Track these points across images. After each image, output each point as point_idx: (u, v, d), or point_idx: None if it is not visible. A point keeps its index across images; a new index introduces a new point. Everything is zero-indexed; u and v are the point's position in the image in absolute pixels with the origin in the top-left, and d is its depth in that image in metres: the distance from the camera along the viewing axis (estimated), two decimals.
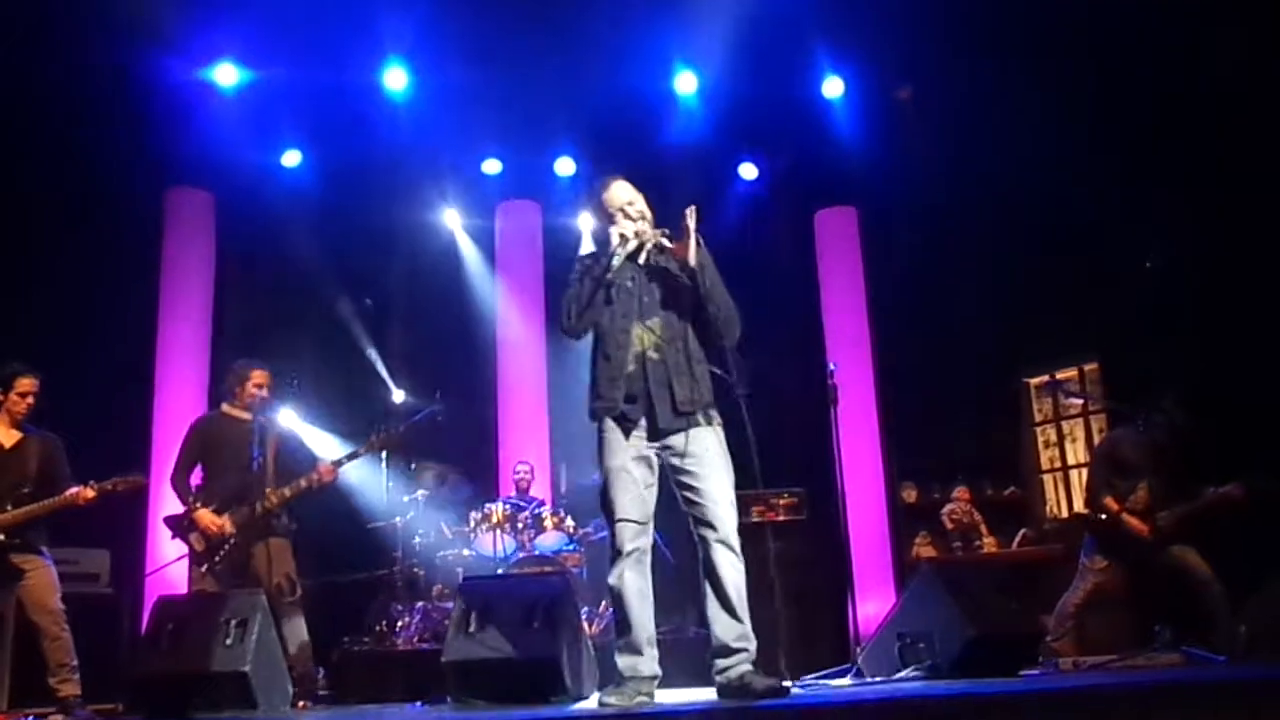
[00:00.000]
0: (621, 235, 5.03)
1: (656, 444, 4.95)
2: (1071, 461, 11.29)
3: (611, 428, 4.95)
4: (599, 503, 5.00)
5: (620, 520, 4.88)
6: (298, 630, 6.87)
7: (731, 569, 4.87)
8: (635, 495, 4.89)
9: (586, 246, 12.04)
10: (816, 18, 9.86)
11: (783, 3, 9.40)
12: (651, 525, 4.98)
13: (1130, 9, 8.89)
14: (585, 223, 12.19)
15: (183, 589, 8.61)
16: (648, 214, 5.22)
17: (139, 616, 8.62)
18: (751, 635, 4.87)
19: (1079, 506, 9.69)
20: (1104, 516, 7.68)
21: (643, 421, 4.94)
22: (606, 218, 5.21)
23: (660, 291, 5.05)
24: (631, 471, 4.90)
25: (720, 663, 4.86)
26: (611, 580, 4.92)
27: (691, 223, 4.95)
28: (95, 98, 9.47)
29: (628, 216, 5.14)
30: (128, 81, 9.58)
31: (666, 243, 5.10)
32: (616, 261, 4.96)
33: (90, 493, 6.68)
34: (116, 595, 8.73)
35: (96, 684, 6.89)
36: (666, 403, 4.90)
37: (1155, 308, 9.56)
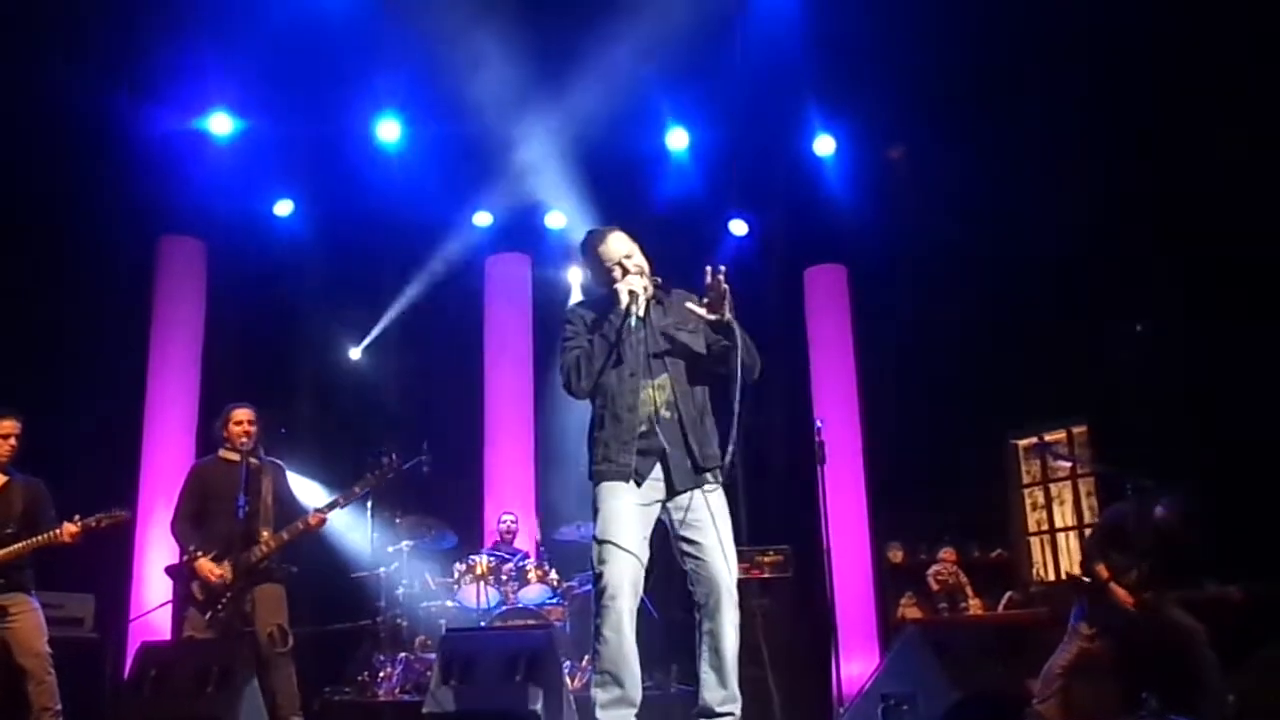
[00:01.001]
0: (631, 293, 4.85)
1: (665, 502, 4.84)
2: (1059, 524, 11.30)
3: (614, 486, 4.80)
4: (592, 553, 4.79)
5: (617, 563, 4.68)
6: (286, 680, 6.79)
7: (732, 629, 4.74)
8: (636, 540, 4.74)
9: (576, 299, 12.08)
10: (809, 76, 9.97)
11: (775, 60, 9.51)
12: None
13: (1121, 71, 8.99)
14: (575, 276, 12.24)
15: (167, 634, 8.59)
16: (645, 266, 5.06)
17: (122, 662, 8.57)
18: (738, 698, 4.77)
19: (1066, 569, 9.70)
20: (1091, 581, 7.68)
21: (657, 481, 4.82)
22: (603, 271, 5.04)
23: (665, 347, 4.92)
24: (636, 515, 4.76)
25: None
26: (608, 629, 4.70)
27: (725, 285, 4.82)
28: (88, 145, 9.54)
29: (627, 271, 4.98)
30: (121, 129, 9.65)
31: (662, 294, 5.03)
32: (634, 322, 4.82)
33: (74, 528, 6.64)
34: (101, 640, 8.67)
35: None
36: (684, 461, 4.80)
37: (1145, 371, 9.60)
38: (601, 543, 4.72)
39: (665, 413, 4.84)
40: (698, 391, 4.97)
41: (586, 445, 4.94)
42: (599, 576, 4.71)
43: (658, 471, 4.82)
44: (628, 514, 4.74)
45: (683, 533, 4.80)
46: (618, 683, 4.68)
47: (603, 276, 5.06)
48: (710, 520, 4.80)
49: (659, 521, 4.89)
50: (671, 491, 4.82)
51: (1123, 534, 7.80)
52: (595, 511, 4.83)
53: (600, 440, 4.85)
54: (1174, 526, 7.66)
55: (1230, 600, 7.43)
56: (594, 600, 4.80)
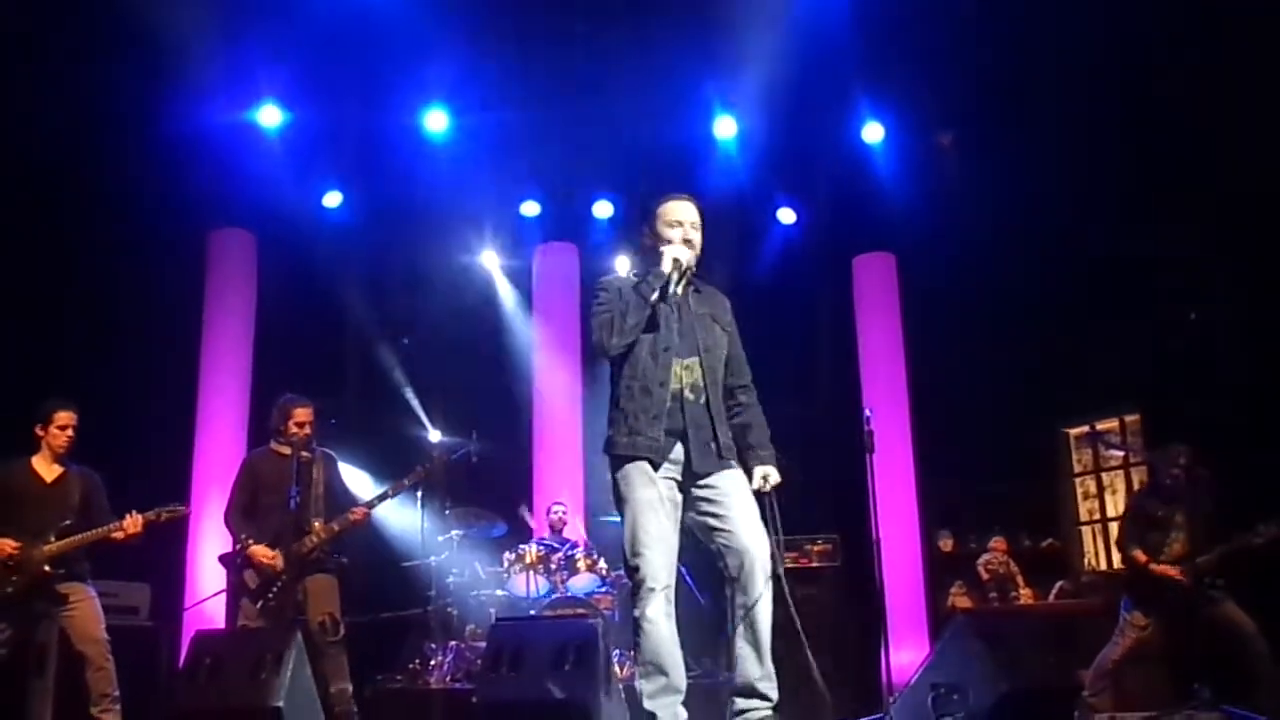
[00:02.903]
0: (675, 259, 4.82)
1: (685, 483, 4.79)
2: (1111, 514, 11.21)
3: (638, 464, 4.74)
4: (625, 545, 4.72)
5: (653, 551, 4.64)
6: (338, 669, 6.84)
7: (766, 603, 4.69)
8: (669, 528, 4.71)
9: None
10: (858, 63, 9.91)
11: (824, 48, 9.45)
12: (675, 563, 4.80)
13: (1179, 55, 8.89)
14: (622, 265, 12.25)
15: (221, 623, 8.68)
16: (697, 244, 5.00)
17: (177, 650, 8.66)
18: (774, 678, 4.73)
19: (1118, 561, 9.62)
20: (1132, 569, 7.62)
21: (676, 463, 4.77)
22: (657, 232, 4.99)
23: (699, 333, 4.85)
24: (664, 504, 4.71)
25: (740, 703, 4.73)
26: (648, 620, 4.64)
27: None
28: (140, 139, 9.61)
29: (685, 240, 4.95)
30: (172, 123, 9.71)
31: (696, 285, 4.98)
32: (675, 287, 4.82)
33: (138, 522, 6.72)
34: (156, 628, 8.77)
35: (134, 716, 6.93)
36: (706, 447, 4.75)
37: (1199, 359, 9.50)
38: (635, 534, 4.68)
39: (690, 395, 4.80)
40: (722, 387, 4.94)
41: (608, 419, 4.87)
42: (635, 569, 4.67)
43: (678, 452, 4.77)
44: (657, 501, 4.70)
45: (705, 509, 4.76)
46: (662, 671, 4.67)
47: (655, 238, 4.99)
48: (733, 492, 4.76)
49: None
50: (690, 474, 4.77)
51: (1150, 513, 7.75)
52: (619, 499, 4.78)
53: (628, 413, 4.77)
54: (1200, 492, 7.60)
55: (1258, 544, 7.31)
56: (631, 592, 4.76)
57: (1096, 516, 11.49)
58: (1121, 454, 11.17)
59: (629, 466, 4.74)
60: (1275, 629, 7.19)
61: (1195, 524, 7.57)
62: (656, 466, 4.73)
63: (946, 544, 11.46)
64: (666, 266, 4.81)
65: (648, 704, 4.66)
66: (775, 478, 4.91)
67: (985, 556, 10.92)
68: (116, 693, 6.66)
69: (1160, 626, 7.66)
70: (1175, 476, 7.73)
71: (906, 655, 9.32)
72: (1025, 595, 10.66)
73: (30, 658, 6.75)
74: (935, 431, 11.19)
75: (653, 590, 4.64)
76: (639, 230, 5.14)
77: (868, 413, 7.89)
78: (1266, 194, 8.83)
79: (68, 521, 6.71)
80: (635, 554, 4.66)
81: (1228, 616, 7.28)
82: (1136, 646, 7.66)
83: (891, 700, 6.81)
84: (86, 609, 6.73)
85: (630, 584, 4.76)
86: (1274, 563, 7.35)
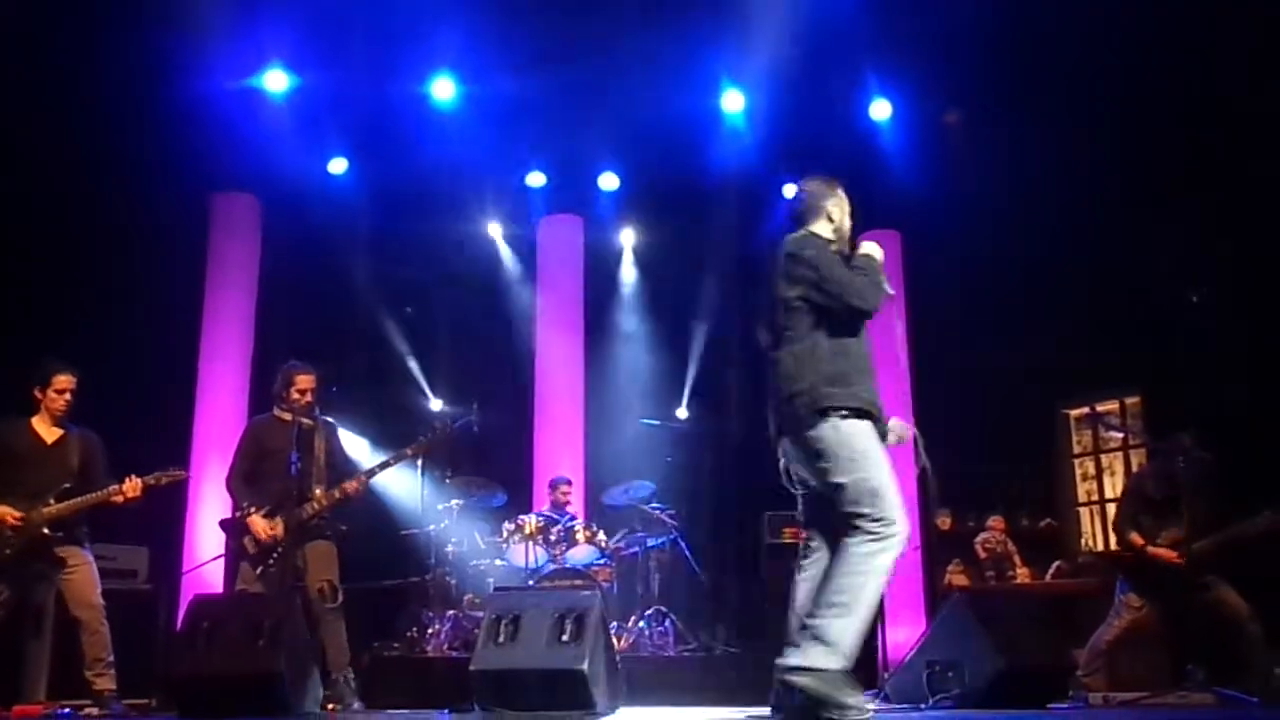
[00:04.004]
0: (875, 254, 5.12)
1: None
2: (1109, 495, 11.23)
3: (867, 421, 4.83)
4: (868, 488, 4.68)
5: (897, 504, 4.71)
6: (336, 636, 6.87)
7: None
8: None
9: (629, 260, 12.11)
10: (866, 40, 9.86)
11: (833, 24, 9.40)
12: None
13: (1184, 35, 8.85)
14: (627, 238, 12.25)
15: (219, 587, 8.71)
16: None
17: (175, 614, 8.69)
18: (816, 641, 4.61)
19: (1115, 542, 9.64)
20: (1129, 552, 7.64)
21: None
22: (826, 215, 5.24)
23: None
24: None
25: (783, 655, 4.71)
26: (887, 572, 4.66)
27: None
28: (144, 101, 9.57)
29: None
30: (177, 85, 9.67)
31: None
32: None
33: (137, 486, 6.74)
34: (154, 592, 8.80)
35: (131, 679, 6.97)
36: None
37: (1199, 342, 9.50)
38: (886, 486, 4.72)
39: None
40: None
41: (825, 377, 4.82)
42: (889, 520, 4.67)
43: None
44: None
45: None
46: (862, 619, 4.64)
47: (841, 217, 5.30)
48: None
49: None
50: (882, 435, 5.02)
51: (1147, 496, 7.76)
52: (848, 453, 4.74)
53: (858, 370, 4.88)
54: (1198, 475, 7.62)
55: (1259, 530, 7.33)
56: (878, 546, 4.66)
57: (1095, 498, 11.51)
58: (1121, 436, 11.19)
59: (861, 423, 4.80)
60: (1268, 612, 7.22)
61: (1194, 507, 7.58)
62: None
63: (945, 522, 11.48)
64: (878, 254, 5.12)
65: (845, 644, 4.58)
66: None
67: (983, 535, 10.95)
68: (111, 657, 6.69)
69: (1155, 608, 7.68)
70: (1180, 463, 7.75)
71: (903, 632, 9.36)
72: (1022, 575, 10.69)
73: (27, 620, 6.76)
74: (936, 410, 11.18)
75: (893, 536, 4.67)
76: (818, 203, 5.31)
77: None
78: (1269, 176, 8.82)
79: (67, 484, 6.72)
80: (890, 504, 4.69)
81: (1222, 599, 7.30)
82: (1131, 628, 7.68)
83: (887, 677, 6.84)
84: (84, 573, 6.75)
85: (868, 534, 4.68)
86: (1269, 548, 7.37)
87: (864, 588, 4.59)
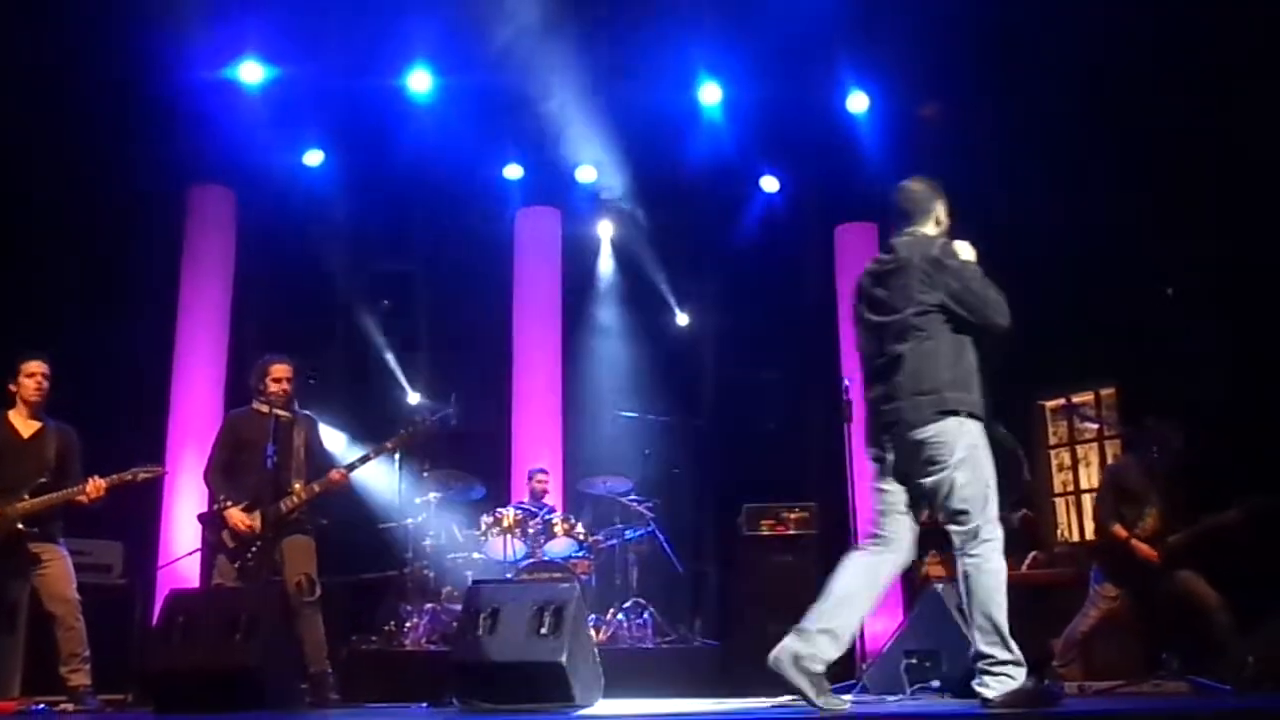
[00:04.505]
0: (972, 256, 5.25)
1: None
2: (1085, 486, 11.27)
3: (980, 424, 5.02)
4: (980, 488, 4.91)
5: (996, 506, 4.94)
6: (314, 630, 6.84)
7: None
8: None
9: (606, 257, 12.10)
10: (844, 32, 9.87)
11: (810, 17, 9.40)
12: None
13: (1160, 30, 8.88)
14: (605, 230, 12.24)
15: (195, 582, 8.68)
16: None
17: (150, 609, 8.66)
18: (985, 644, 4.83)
19: (1090, 532, 9.69)
20: (1109, 543, 7.68)
21: None
22: (934, 218, 5.43)
23: None
24: None
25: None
26: (1000, 565, 4.87)
27: None
28: (118, 93, 9.53)
29: None
30: (152, 77, 9.62)
31: None
32: None
33: (100, 486, 6.69)
34: (129, 587, 8.77)
35: (106, 674, 6.93)
36: None
37: (1174, 334, 9.54)
38: (992, 490, 4.95)
39: None
40: None
41: (948, 380, 5.02)
42: (994, 520, 4.92)
43: None
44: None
45: None
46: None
47: (946, 224, 5.44)
48: None
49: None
50: None
51: (1125, 486, 7.80)
52: (967, 453, 4.92)
53: (973, 374, 5.11)
54: (1174, 467, 7.68)
55: (1230, 524, 7.40)
56: (988, 546, 4.88)
57: (1070, 489, 11.55)
58: (1096, 427, 11.22)
59: (977, 426, 5.00)
60: (1238, 602, 7.28)
61: (1171, 498, 7.63)
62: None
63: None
64: (973, 256, 5.30)
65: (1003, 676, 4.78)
66: None
67: None
68: (87, 652, 6.65)
69: (1129, 598, 7.72)
70: (1155, 453, 7.81)
71: (880, 623, 9.37)
72: None
73: (1, 616, 6.72)
74: None
75: (996, 536, 4.91)
76: (927, 205, 5.47)
77: (846, 382, 7.93)
78: (1245, 172, 8.86)
79: (43, 479, 6.68)
80: (994, 506, 4.93)
81: (1192, 590, 7.35)
82: (1106, 617, 7.72)
83: (865, 667, 6.86)
84: (58, 568, 6.71)
85: (974, 535, 4.89)
86: (1239, 540, 7.43)
87: (997, 587, 4.84)
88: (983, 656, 4.78)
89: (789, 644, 4.87)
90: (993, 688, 4.73)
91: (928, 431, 4.91)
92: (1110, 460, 10.66)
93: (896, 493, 5.08)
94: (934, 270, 5.10)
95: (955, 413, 4.92)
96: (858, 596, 4.98)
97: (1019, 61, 9.57)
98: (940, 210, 5.42)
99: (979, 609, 4.80)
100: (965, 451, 4.90)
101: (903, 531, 5.07)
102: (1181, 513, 7.51)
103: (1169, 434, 7.72)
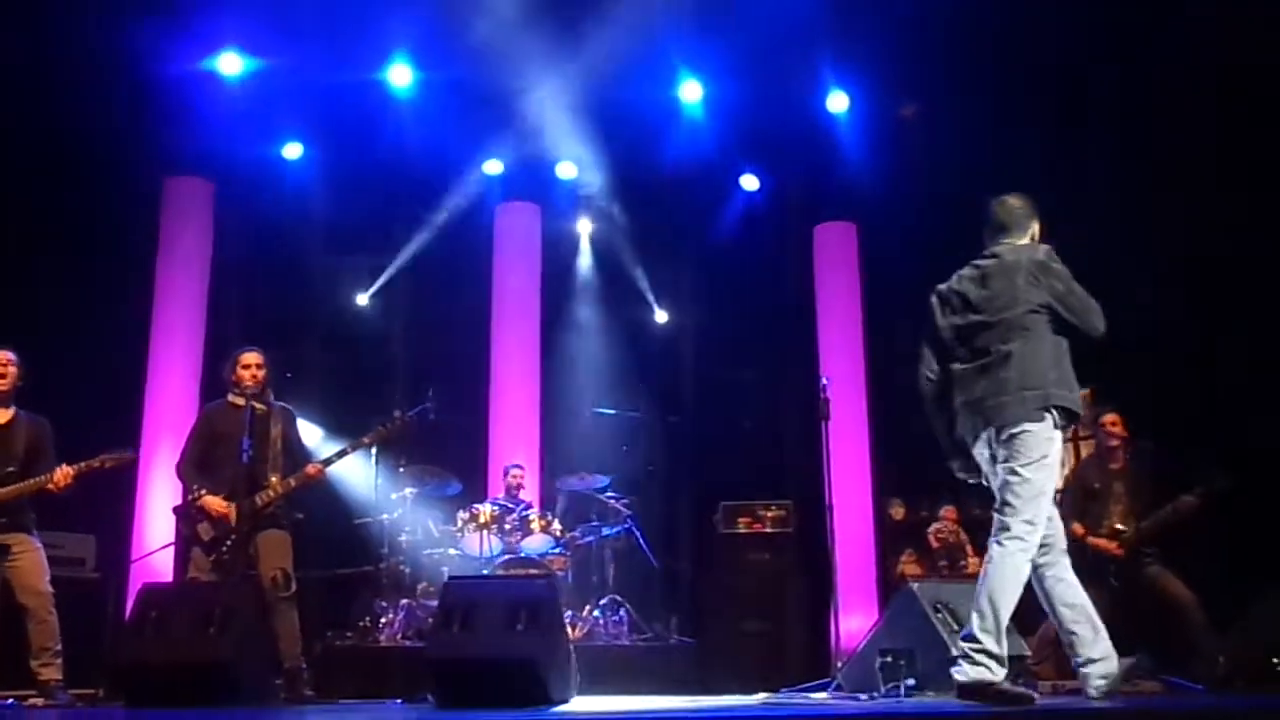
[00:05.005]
0: None
1: None
2: (1060, 486, 11.29)
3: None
4: (1035, 491, 5.09)
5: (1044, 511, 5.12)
6: (289, 625, 6.79)
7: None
8: None
9: (585, 253, 12.10)
10: (824, 32, 9.87)
11: (791, 16, 9.40)
12: None
13: (1132, 29, 8.92)
14: (584, 227, 12.22)
15: (169, 576, 8.63)
16: None
17: (123, 602, 8.61)
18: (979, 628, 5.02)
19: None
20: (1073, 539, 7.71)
21: None
22: (1030, 232, 5.68)
23: None
24: None
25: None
26: (1023, 564, 5.08)
27: None
28: (97, 82, 9.45)
29: None
30: (130, 67, 9.56)
31: None
32: None
33: (68, 474, 6.63)
34: (102, 580, 8.70)
35: (78, 668, 6.88)
36: None
37: (1148, 334, 9.57)
38: (1049, 498, 5.16)
39: None
40: None
41: (1050, 379, 5.21)
42: (1038, 527, 5.10)
43: None
44: None
45: None
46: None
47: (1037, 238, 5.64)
48: None
49: None
50: None
51: (1088, 485, 7.87)
52: (1042, 454, 5.12)
53: (1069, 373, 5.28)
54: (1138, 465, 7.74)
55: (1189, 508, 7.44)
56: (1018, 545, 5.08)
57: None
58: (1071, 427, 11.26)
59: (1059, 433, 5.23)
60: (1212, 600, 7.31)
61: (1134, 496, 7.67)
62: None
63: (898, 512, 11.52)
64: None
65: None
66: None
67: (936, 525, 10.99)
68: (59, 646, 6.60)
69: (1101, 597, 7.73)
70: (1111, 444, 7.86)
71: (856, 621, 9.40)
72: (974, 564, 10.74)
73: None
74: (890, 400, 11.24)
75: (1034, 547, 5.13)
76: (1024, 220, 5.76)
77: (824, 380, 7.94)
78: (1214, 172, 8.91)
79: (11, 469, 6.63)
80: (1037, 508, 5.12)
81: (1165, 588, 7.39)
82: None
83: (840, 666, 6.88)
84: (30, 560, 6.66)
85: (1014, 534, 5.09)
86: (1203, 525, 7.47)
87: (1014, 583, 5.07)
88: (972, 639, 4.96)
89: (1102, 672, 5.27)
90: (968, 674, 4.89)
91: (1024, 425, 5.13)
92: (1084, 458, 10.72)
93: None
94: (1040, 273, 5.36)
95: (1054, 409, 5.14)
96: (1077, 602, 5.31)
97: (996, 61, 9.59)
98: (1035, 228, 5.70)
99: (986, 594, 5.01)
100: (1043, 453, 5.12)
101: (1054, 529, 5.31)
102: (1147, 510, 7.56)
103: (1099, 417, 7.84)
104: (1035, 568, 5.18)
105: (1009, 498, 5.10)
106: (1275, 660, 7.01)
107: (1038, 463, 5.08)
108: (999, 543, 5.08)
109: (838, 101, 10.86)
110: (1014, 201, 5.76)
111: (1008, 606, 4.98)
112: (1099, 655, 5.24)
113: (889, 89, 10.70)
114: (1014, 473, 5.10)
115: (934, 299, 5.73)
